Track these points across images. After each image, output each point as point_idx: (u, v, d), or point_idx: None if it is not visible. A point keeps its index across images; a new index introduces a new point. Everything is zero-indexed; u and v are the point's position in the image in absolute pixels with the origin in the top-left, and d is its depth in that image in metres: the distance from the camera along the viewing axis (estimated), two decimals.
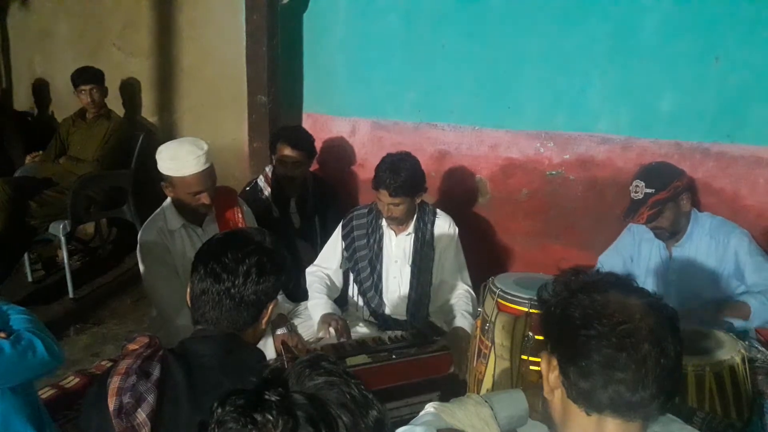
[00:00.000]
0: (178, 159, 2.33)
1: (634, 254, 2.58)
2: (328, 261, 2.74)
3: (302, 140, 3.07)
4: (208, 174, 2.37)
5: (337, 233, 2.73)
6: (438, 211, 2.68)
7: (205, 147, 2.37)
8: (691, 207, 2.43)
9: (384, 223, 2.64)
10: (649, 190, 2.33)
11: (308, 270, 2.75)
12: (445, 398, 2.12)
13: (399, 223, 2.60)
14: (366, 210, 2.71)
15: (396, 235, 2.65)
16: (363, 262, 2.67)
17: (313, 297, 2.63)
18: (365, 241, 2.67)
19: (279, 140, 3.06)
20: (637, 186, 2.37)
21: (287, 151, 3.02)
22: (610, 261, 2.60)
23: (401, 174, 2.44)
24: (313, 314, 2.59)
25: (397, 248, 2.65)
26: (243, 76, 3.56)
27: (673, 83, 2.72)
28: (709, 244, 2.39)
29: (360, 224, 2.69)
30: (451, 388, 2.17)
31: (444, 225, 2.65)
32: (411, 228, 2.63)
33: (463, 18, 3.14)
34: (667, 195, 2.33)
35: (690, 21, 2.65)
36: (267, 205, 3.10)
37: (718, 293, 2.37)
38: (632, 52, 2.78)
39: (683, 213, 2.40)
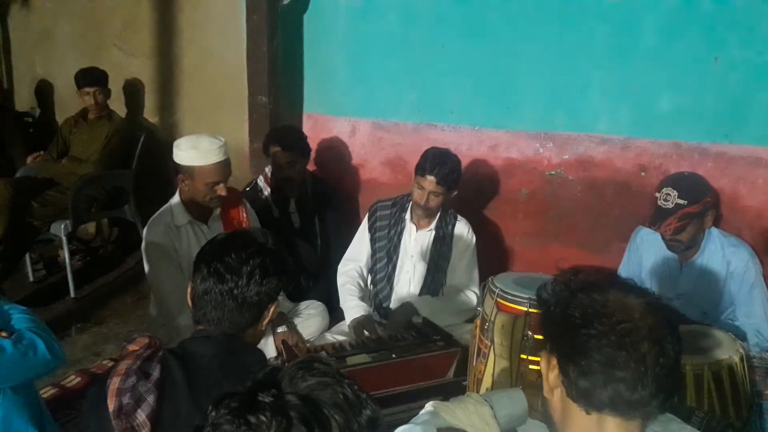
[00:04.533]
0: (200, 149, 2.38)
1: (643, 260, 2.54)
2: (358, 253, 2.81)
3: (292, 140, 3.07)
4: (227, 165, 2.45)
5: (364, 225, 2.81)
6: (458, 215, 2.75)
7: (223, 140, 2.44)
8: (711, 225, 2.35)
9: (407, 216, 2.71)
10: (681, 201, 2.22)
11: (340, 269, 2.82)
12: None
13: (429, 215, 2.65)
14: (390, 203, 2.78)
15: (416, 231, 2.69)
16: (381, 252, 2.74)
17: (346, 300, 2.69)
18: (386, 232, 2.74)
19: (270, 143, 3.06)
20: (668, 194, 2.26)
21: (279, 153, 3.02)
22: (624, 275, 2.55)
23: (448, 164, 2.55)
24: (347, 316, 2.66)
25: (415, 243, 2.70)
26: (243, 77, 3.56)
27: (672, 83, 2.72)
28: (722, 264, 2.31)
29: (383, 215, 2.76)
30: (454, 395, 2.17)
31: (463, 229, 2.72)
32: (432, 225, 2.69)
33: (462, 18, 3.14)
34: (698, 209, 2.23)
35: (690, 21, 2.65)
36: (267, 205, 3.10)
37: (720, 314, 2.34)
38: (632, 52, 2.78)
39: (703, 230, 2.32)
